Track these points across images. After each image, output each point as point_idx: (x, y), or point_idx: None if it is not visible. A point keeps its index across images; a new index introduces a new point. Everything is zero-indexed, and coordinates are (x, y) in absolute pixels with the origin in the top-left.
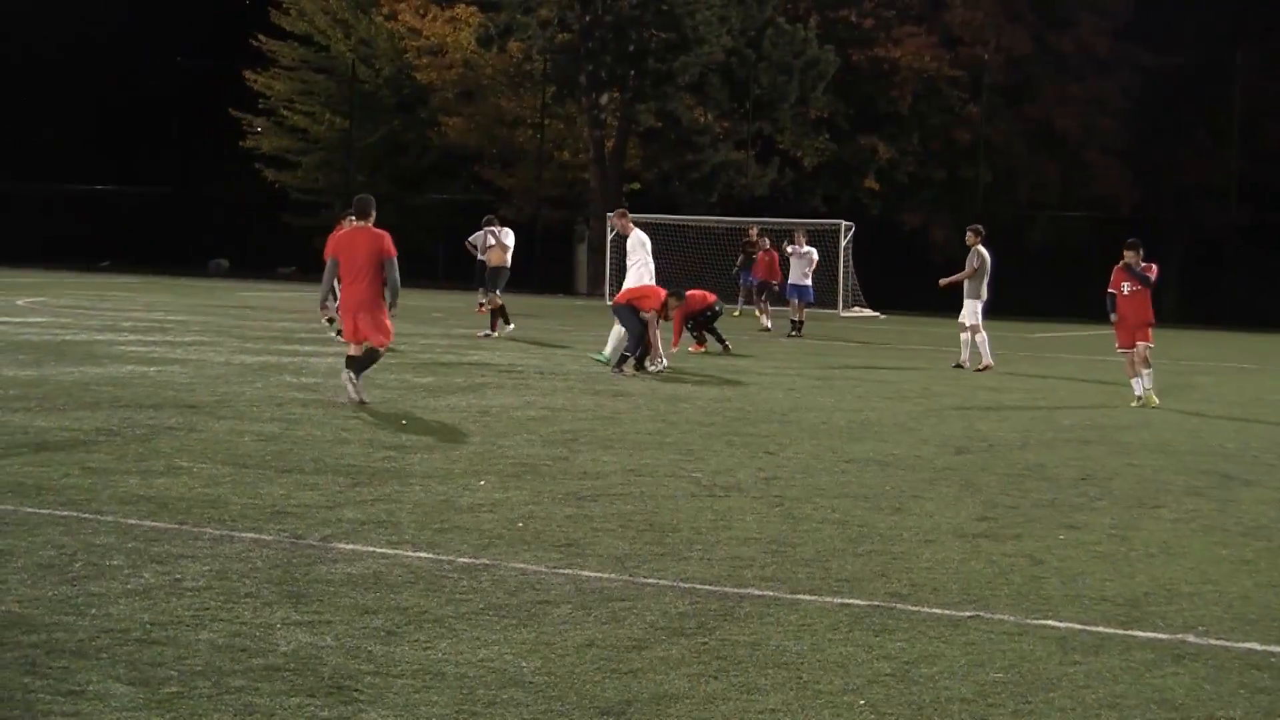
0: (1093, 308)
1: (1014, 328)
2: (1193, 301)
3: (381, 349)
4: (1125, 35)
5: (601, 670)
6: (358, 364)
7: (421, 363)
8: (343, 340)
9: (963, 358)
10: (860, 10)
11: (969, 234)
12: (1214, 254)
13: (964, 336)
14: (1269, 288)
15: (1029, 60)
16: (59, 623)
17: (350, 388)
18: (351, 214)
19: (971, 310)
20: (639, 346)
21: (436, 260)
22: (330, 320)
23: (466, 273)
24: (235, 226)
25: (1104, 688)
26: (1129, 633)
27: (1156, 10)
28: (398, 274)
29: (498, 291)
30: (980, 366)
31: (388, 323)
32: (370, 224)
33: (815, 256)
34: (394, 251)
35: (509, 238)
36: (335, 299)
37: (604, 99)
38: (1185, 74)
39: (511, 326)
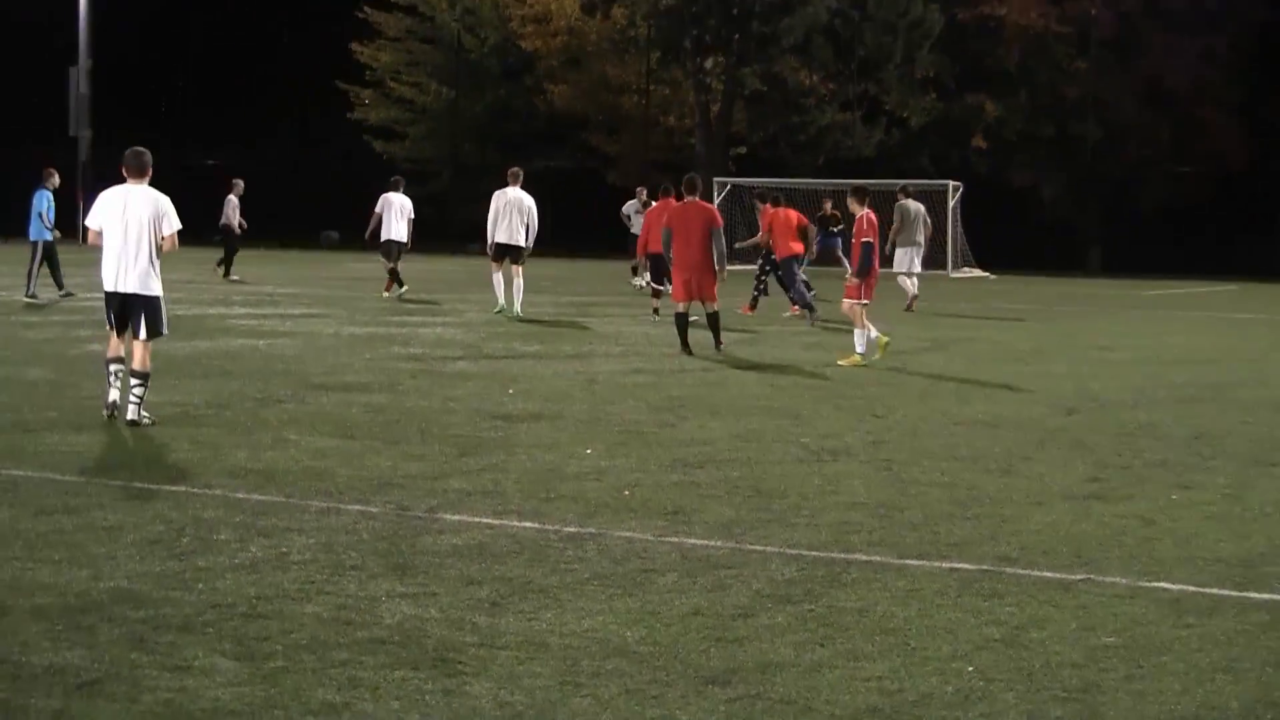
0: (1207, 264)
1: (1127, 285)
2: None
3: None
4: None
5: (706, 639)
6: (715, 326)
7: (529, 330)
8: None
9: (916, 294)
10: None
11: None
12: None
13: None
14: None
15: (1137, 14)
16: (166, 598)
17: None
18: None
19: (905, 257)
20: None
21: (545, 225)
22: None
23: (575, 237)
24: (345, 197)
25: (1218, 651)
26: (1244, 594)
27: None
28: (724, 243)
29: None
30: (909, 303)
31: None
32: (698, 198)
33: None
34: (722, 222)
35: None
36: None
37: (709, 63)
38: None
39: (405, 289)
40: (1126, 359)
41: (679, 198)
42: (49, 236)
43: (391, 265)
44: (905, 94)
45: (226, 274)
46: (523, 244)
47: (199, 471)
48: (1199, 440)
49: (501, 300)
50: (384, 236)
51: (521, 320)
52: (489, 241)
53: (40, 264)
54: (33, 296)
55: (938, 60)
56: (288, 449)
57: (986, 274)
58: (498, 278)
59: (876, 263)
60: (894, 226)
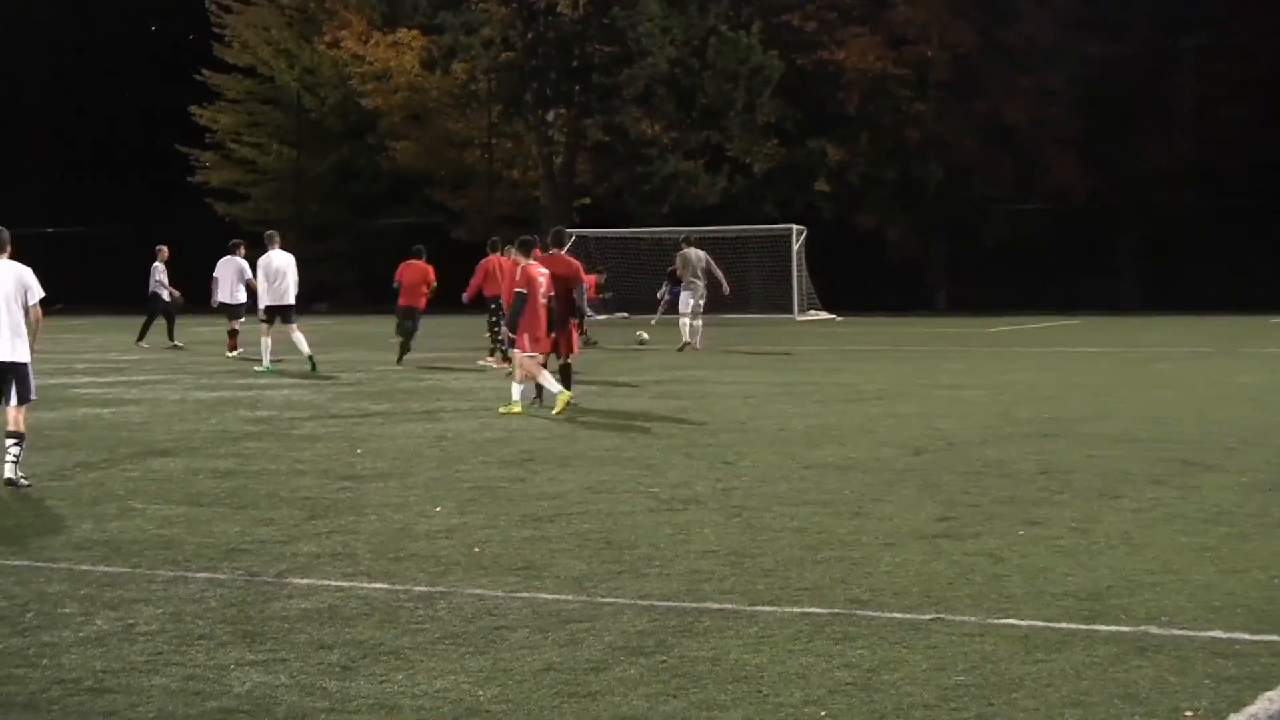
0: (1050, 299)
1: (972, 323)
2: (1149, 288)
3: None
4: (1070, 25)
5: (560, 694)
6: (567, 378)
7: (378, 390)
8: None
9: (689, 340)
10: (803, 14)
11: (516, 253)
12: (1170, 240)
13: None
14: (1223, 271)
15: (975, 55)
16: (10, 675)
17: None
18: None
19: (683, 299)
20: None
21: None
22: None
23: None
24: (187, 262)
25: (1068, 685)
26: (1092, 627)
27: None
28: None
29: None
30: (680, 345)
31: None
32: (563, 253)
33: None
34: (585, 277)
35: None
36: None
37: (551, 116)
38: (1133, 62)
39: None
40: (973, 397)
41: (520, 252)
42: None
43: (232, 326)
44: (748, 141)
45: (141, 338)
46: (293, 303)
47: (43, 545)
48: (1046, 476)
49: (267, 361)
50: (221, 299)
51: (314, 371)
52: (260, 305)
53: None
54: None
55: (779, 106)
56: (134, 518)
57: (833, 316)
58: (269, 340)
59: (542, 316)
60: (676, 271)
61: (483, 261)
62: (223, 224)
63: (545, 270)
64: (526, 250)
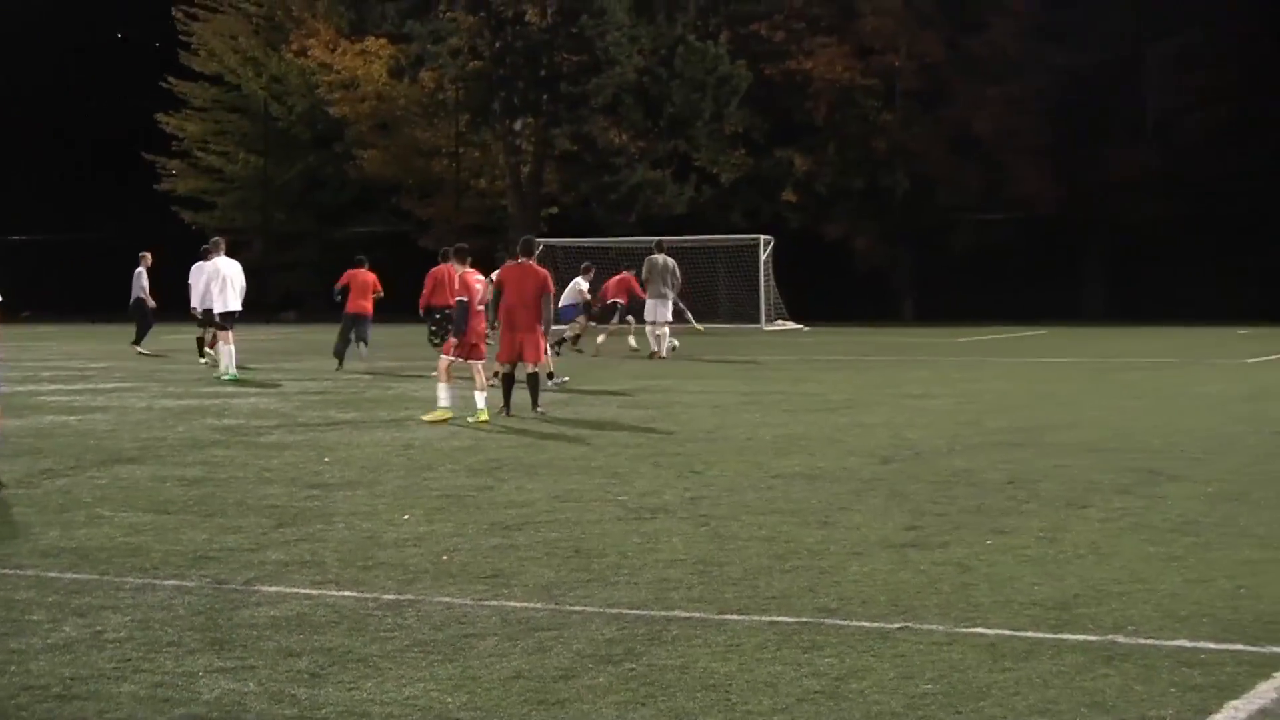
0: (1018, 309)
1: (940, 332)
2: (1115, 298)
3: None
4: (1037, 35)
5: (528, 702)
6: (534, 387)
7: (345, 398)
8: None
9: (655, 349)
10: (771, 24)
11: (454, 261)
12: (1136, 249)
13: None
14: (1190, 281)
15: (942, 65)
16: None
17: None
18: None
19: (651, 308)
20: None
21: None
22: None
23: (388, 306)
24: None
25: (1035, 694)
26: (1059, 636)
27: (1067, 9)
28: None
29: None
30: (650, 353)
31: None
32: (532, 261)
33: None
34: (553, 287)
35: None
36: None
37: (518, 125)
38: (1099, 72)
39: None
40: (941, 406)
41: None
42: None
43: (207, 330)
44: (715, 151)
45: (137, 342)
46: (237, 309)
47: (10, 552)
48: (1014, 485)
49: (232, 369)
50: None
51: (238, 381)
52: (213, 312)
53: None
54: None
55: (746, 116)
56: (101, 526)
57: (800, 326)
58: (231, 348)
59: (477, 323)
60: (643, 278)
61: (433, 270)
62: (189, 232)
63: (482, 278)
64: (463, 258)
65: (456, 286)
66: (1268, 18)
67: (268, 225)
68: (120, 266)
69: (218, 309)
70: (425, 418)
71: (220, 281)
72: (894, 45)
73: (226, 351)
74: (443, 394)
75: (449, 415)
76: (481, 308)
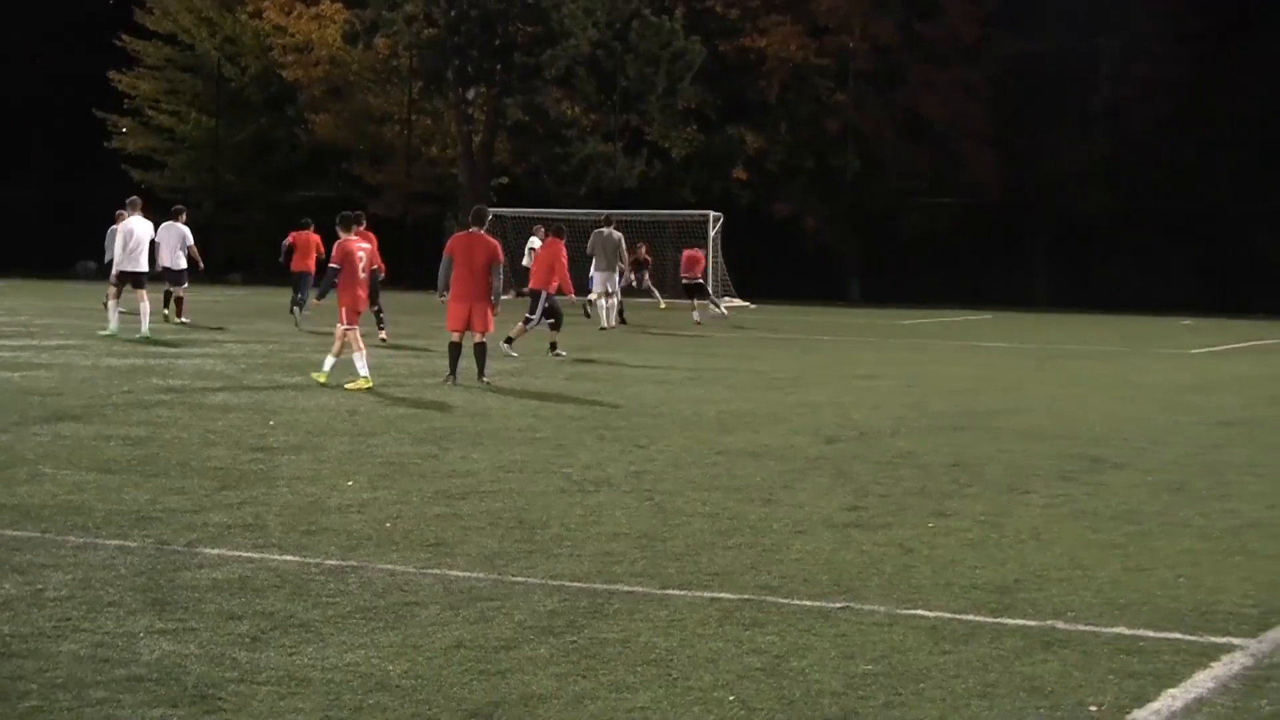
0: (963, 294)
1: (887, 314)
2: (1061, 286)
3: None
4: (990, 22)
5: (469, 672)
6: (481, 357)
7: (290, 363)
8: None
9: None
10: (726, 1)
11: (339, 228)
12: (1082, 239)
13: (605, 303)
14: (1135, 271)
15: (896, 48)
16: None
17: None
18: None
19: (600, 281)
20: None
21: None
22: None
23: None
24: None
25: (974, 677)
26: (999, 620)
27: None
28: (502, 277)
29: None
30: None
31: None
32: (483, 231)
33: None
34: (503, 257)
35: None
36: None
37: (471, 94)
38: (1049, 61)
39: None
40: (887, 388)
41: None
42: None
43: (177, 293)
44: (667, 125)
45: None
46: (146, 270)
47: None
48: (957, 468)
49: (114, 326)
50: (164, 264)
51: (150, 340)
52: (114, 270)
53: None
54: None
55: (699, 92)
56: (43, 483)
57: (747, 304)
58: (115, 305)
59: (359, 290)
60: (590, 251)
61: (293, 234)
62: (138, 190)
63: (367, 245)
64: (347, 226)
65: (334, 254)
66: (1213, 14)
67: (217, 186)
68: (66, 222)
69: (125, 268)
70: (349, 386)
71: (132, 241)
72: (848, 26)
73: (114, 309)
74: (358, 362)
75: (369, 383)
76: (365, 275)
